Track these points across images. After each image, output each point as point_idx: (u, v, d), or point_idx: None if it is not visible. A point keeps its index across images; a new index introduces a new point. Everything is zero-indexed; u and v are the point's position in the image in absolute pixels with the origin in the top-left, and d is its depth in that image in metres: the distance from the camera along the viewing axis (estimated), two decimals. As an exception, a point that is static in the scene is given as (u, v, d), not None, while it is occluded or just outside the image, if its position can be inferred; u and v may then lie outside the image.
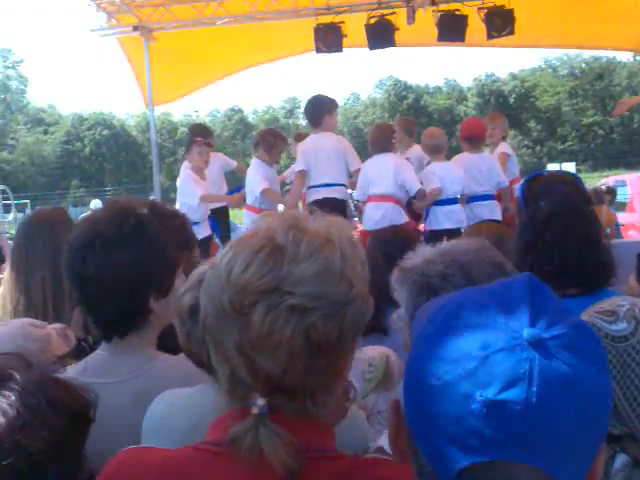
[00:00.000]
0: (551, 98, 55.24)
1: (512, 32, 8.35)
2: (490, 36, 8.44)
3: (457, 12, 8.39)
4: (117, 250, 1.75)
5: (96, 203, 18.61)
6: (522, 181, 2.74)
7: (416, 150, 7.73)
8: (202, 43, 9.17)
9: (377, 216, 6.48)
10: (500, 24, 8.35)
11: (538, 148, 50.40)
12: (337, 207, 6.20)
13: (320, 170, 6.71)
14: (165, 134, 58.61)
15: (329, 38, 8.56)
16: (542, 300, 0.85)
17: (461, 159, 7.00)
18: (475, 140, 6.99)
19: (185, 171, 7.18)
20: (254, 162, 7.25)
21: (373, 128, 7.17)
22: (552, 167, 32.05)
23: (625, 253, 2.83)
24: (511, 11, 8.30)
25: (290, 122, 67.01)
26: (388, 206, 6.54)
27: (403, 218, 6.50)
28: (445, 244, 1.58)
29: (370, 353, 1.55)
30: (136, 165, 59.55)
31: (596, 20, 9.01)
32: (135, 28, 8.82)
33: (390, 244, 3.34)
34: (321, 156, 6.69)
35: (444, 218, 6.67)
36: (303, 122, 67.39)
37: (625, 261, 2.39)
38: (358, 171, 6.82)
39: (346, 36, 8.57)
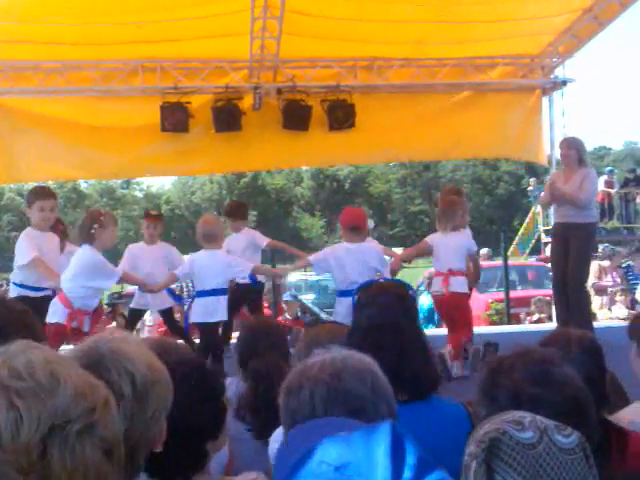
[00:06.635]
0: (383, 185, 58.06)
1: (353, 125, 8.77)
2: (332, 128, 8.81)
3: (302, 102, 8.71)
4: None
5: None
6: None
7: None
8: (45, 114, 8.84)
9: None
10: (342, 117, 8.76)
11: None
12: None
13: None
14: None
15: (175, 117, 8.56)
16: (403, 456, 0.85)
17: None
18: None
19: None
20: None
21: None
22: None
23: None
24: (352, 106, 8.73)
25: (126, 193, 65.67)
26: None
27: None
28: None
29: None
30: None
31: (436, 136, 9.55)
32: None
33: None
34: None
35: None
36: (139, 194, 66.15)
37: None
38: None
39: (193, 117, 8.63)
